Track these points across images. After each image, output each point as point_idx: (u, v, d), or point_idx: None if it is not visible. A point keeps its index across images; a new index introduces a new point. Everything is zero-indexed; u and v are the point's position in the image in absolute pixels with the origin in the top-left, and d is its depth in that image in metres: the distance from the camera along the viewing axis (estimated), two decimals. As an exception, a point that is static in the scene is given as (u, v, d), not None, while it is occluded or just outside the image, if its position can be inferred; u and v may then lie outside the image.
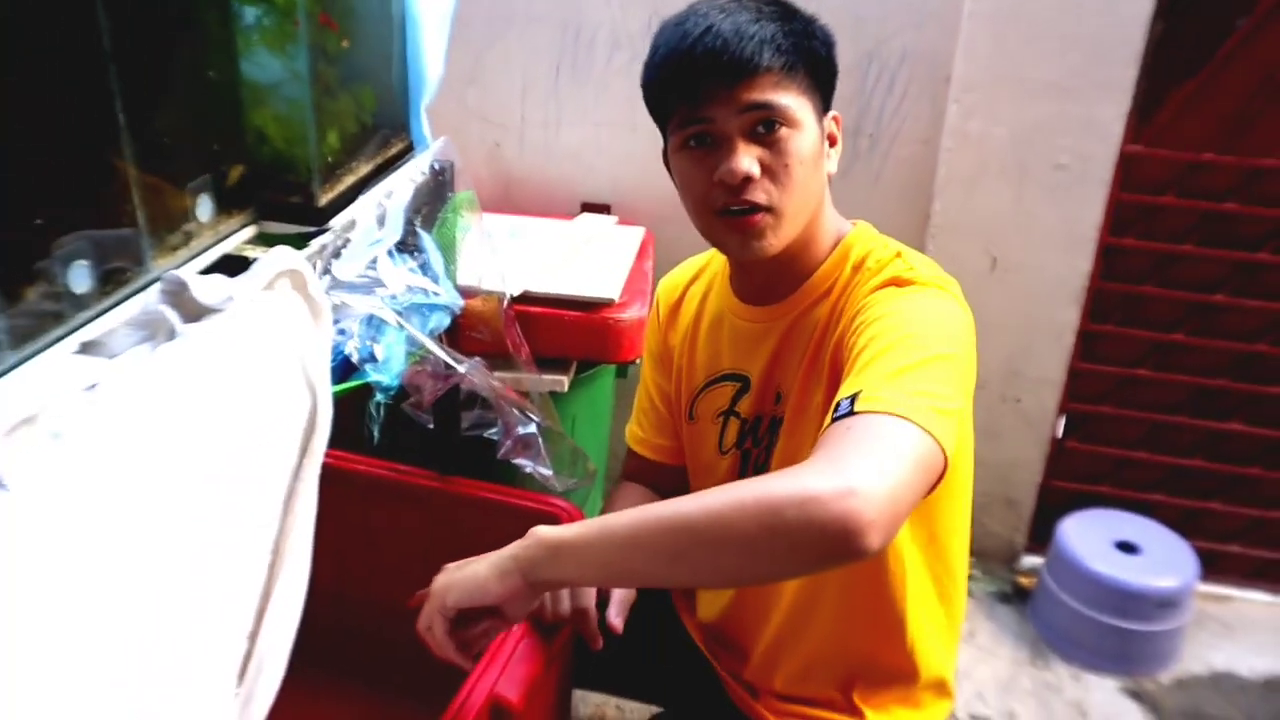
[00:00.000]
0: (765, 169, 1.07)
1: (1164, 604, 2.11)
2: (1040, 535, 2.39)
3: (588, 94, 2.25)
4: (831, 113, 1.14)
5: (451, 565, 1.06)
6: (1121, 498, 2.38)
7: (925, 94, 2.12)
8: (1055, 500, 2.39)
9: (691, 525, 0.87)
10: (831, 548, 0.82)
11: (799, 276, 1.18)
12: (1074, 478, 2.41)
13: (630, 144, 2.28)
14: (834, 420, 0.92)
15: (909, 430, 0.88)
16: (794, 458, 1.13)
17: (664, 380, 1.38)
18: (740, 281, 1.24)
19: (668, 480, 1.41)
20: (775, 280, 1.19)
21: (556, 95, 2.26)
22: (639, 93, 2.22)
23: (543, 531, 0.98)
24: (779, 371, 1.21)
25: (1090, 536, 2.22)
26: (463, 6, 1.26)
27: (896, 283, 1.09)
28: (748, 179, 1.06)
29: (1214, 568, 2.31)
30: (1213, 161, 2.08)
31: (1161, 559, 2.17)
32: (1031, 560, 2.43)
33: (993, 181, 2.06)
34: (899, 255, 1.14)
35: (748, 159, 1.06)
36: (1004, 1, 1.93)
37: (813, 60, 1.08)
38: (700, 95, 1.06)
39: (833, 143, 1.15)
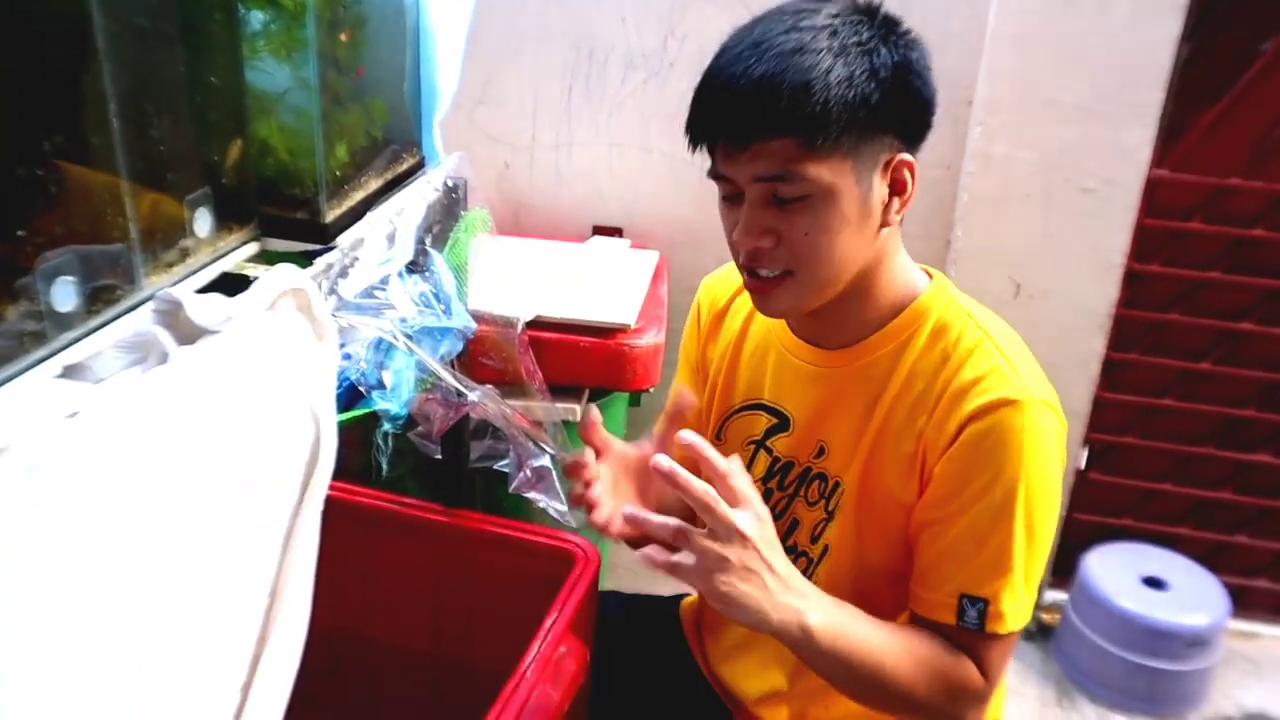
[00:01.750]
0: (782, 237, 0.98)
1: (1194, 642, 2.04)
2: (1063, 569, 2.32)
3: (600, 115, 2.20)
4: (901, 156, 1.00)
5: (750, 556, 0.92)
6: (1146, 531, 2.32)
7: (947, 117, 2.06)
8: (1078, 533, 2.32)
9: (882, 681, 1.00)
10: None
11: (860, 326, 1.09)
12: (1097, 510, 2.34)
13: (643, 166, 2.23)
14: (961, 623, 1.02)
15: (1015, 640, 1.06)
16: (861, 543, 1.11)
17: (697, 392, 1.30)
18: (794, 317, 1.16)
19: None
20: (832, 326, 1.11)
21: (568, 116, 2.22)
22: (653, 114, 2.18)
23: (812, 622, 0.96)
24: (826, 424, 1.13)
25: (1116, 571, 2.15)
26: (473, 23, 1.20)
27: (1004, 405, 0.99)
28: (760, 248, 1.00)
29: (1241, 603, 2.24)
30: (1239, 186, 2.03)
31: (1190, 595, 2.10)
32: (1055, 595, 2.36)
33: (1017, 206, 2.00)
34: (985, 338, 1.04)
35: (757, 232, 0.99)
36: (1028, 23, 1.88)
37: (860, 109, 0.94)
38: (718, 151, 0.99)
39: (900, 190, 1.01)
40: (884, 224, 1.02)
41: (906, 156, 1.00)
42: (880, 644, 1.00)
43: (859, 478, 1.10)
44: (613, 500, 1.08)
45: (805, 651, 0.97)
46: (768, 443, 1.19)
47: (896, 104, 0.97)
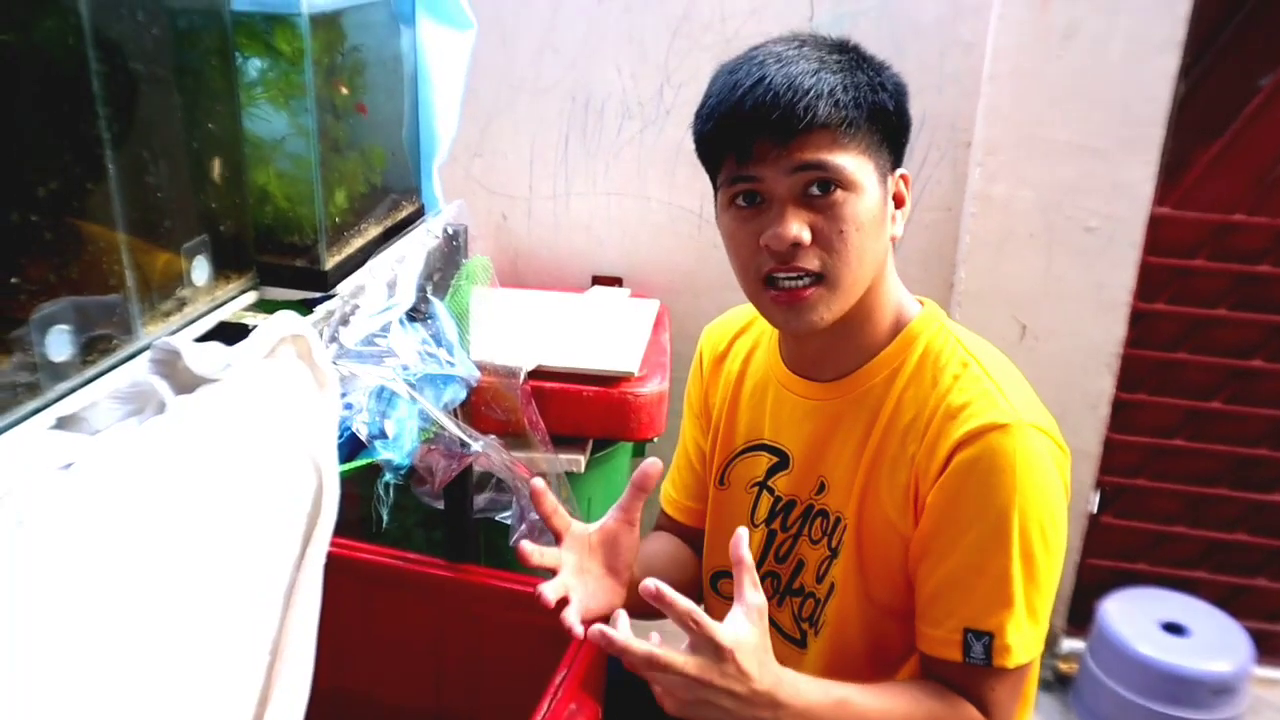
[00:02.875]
0: (817, 235, 0.98)
1: (1219, 690, 1.99)
2: (1079, 616, 2.27)
3: (598, 164, 2.19)
4: (899, 171, 1.05)
5: (705, 674, 0.92)
6: (1162, 575, 2.27)
7: (946, 159, 2.07)
8: (1092, 579, 2.27)
9: None
10: None
11: (855, 355, 1.09)
12: (1111, 555, 2.30)
13: (642, 215, 2.22)
14: (968, 659, 1.00)
15: (1029, 672, 1.04)
16: (864, 578, 1.09)
17: (701, 437, 1.29)
18: (790, 349, 1.15)
19: (694, 543, 1.32)
20: (828, 355, 1.10)
21: (565, 166, 2.21)
22: (650, 162, 2.18)
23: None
24: (824, 458, 1.12)
25: (1134, 617, 2.10)
26: (471, 68, 1.19)
27: (993, 429, 0.98)
28: (797, 245, 0.98)
29: (1264, 648, 2.17)
30: (1243, 223, 2.02)
31: (1213, 641, 2.05)
32: (1072, 644, 2.30)
33: (1020, 246, 1.99)
34: (972, 362, 1.04)
35: (797, 224, 0.97)
36: (1025, 63, 1.88)
37: (878, 115, 1.00)
38: (749, 152, 0.98)
39: (899, 203, 1.06)
40: (891, 236, 1.05)
41: (903, 171, 1.06)
42: None
43: (858, 511, 1.08)
44: (582, 587, 1.08)
45: None
46: (769, 483, 1.18)
47: (899, 119, 1.03)
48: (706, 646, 0.91)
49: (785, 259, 0.99)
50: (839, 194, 0.98)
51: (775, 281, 1.01)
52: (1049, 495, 0.99)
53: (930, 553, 1.02)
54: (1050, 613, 1.03)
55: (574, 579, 1.08)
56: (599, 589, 1.10)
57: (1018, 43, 1.86)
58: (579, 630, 1.02)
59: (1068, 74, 1.86)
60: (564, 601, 1.05)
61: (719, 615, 1.24)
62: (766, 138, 0.97)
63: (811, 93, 0.95)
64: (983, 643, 0.99)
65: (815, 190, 0.98)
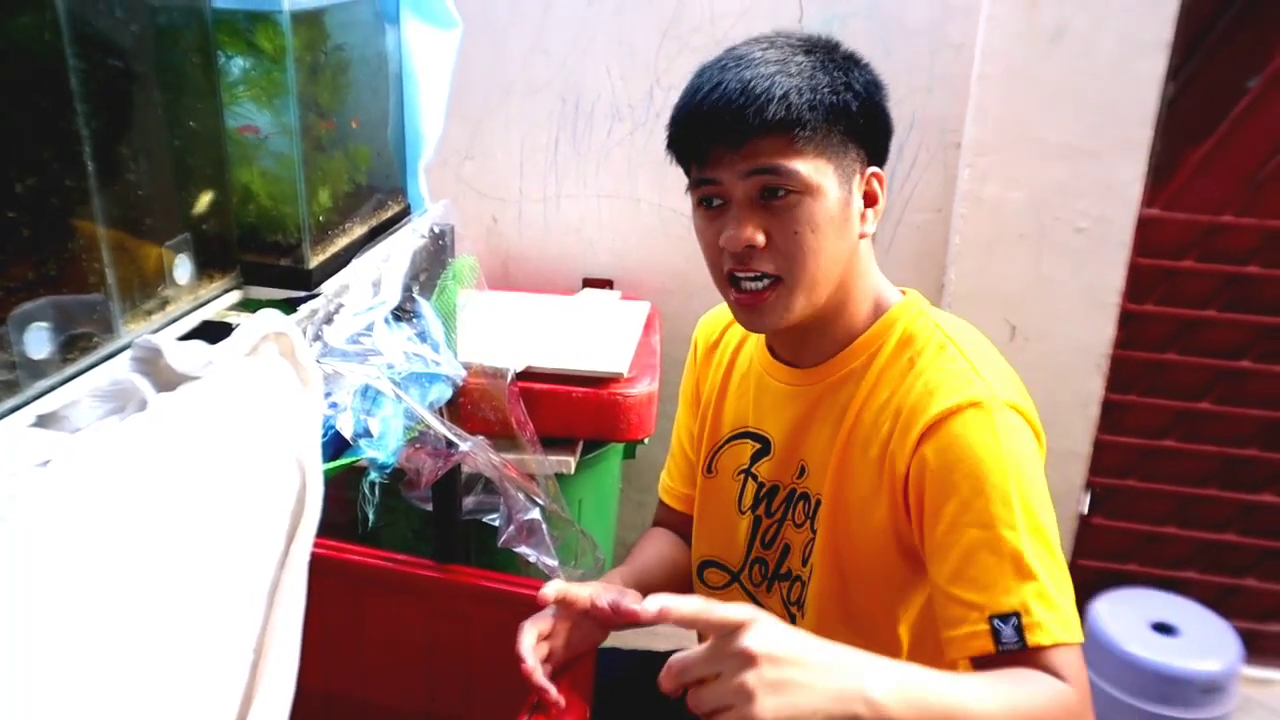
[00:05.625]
0: (772, 237, 1.00)
1: (1209, 689, 1.98)
2: (1070, 617, 2.27)
3: (588, 166, 2.19)
4: (871, 169, 1.05)
5: (773, 664, 0.80)
6: (1152, 576, 2.28)
7: (935, 160, 2.07)
8: (1083, 580, 2.25)
9: None
10: None
11: (834, 343, 1.10)
12: (1101, 556, 2.30)
13: (633, 217, 2.22)
14: (1000, 649, 0.91)
15: (1079, 654, 0.92)
16: (838, 556, 1.09)
17: (694, 425, 1.30)
18: (773, 336, 1.16)
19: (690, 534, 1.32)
20: (807, 343, 1.11)
21: (555, 168, 2.21)
22: (640, 164, 2.19)
23: (876, 695, 0.82)
24: (804, 443, 1.13)
25: (1124, 618, 2.10)
26: (458, 78, 1.19)
27: (969, 406, 0.96)
28: (751, 247, 1.00)
29: (1254, 648, 2.18)
30: (1232, 224, 2.02)
31: (1202, 640, 2.05)
32: (1063, 645, 2.30)
33: (1010, 247, 2.00)
34: (949, 344, 1.04)
35: (750, 228, 0.99)
36: (1014, 64, 1.89)
37: (838, 116, 0.99)
38: (706, 156, 1.01)
39: (871, 202, 1.05)
40: (860, 235, 1.05)
41: (877, 170, 1.06)
42: (957, 687, 0.86)
43: (832, 489, 1.08)
44: (576, 627, 1.13)
45: None
46: (753, 469, 1.19)
47: (869, 119, 1.02)
48: (725, 629, 0.81)
49: (743, 259, 1.01)
50: (792, 198, 0.99)
51: (738, 282, 1.03)
52: (1035, 468, 0.96)
53: (936, 549, 0.97)
54: (1072, 590, 0.95)
55: (574, 617, 1.12)
56: (589, 629, 1.14)
57: (1007, 44, 1.87)
58: (554, 692, 1.05)
59: (1057, 75, 1.87)
60: (563, 601, 1.08)
61: None
62: (719, 143, 0.99)
63: (763, 97, 0.96)
64: (1011, 625, 0.90)
65: (769, 193, 0.99)
